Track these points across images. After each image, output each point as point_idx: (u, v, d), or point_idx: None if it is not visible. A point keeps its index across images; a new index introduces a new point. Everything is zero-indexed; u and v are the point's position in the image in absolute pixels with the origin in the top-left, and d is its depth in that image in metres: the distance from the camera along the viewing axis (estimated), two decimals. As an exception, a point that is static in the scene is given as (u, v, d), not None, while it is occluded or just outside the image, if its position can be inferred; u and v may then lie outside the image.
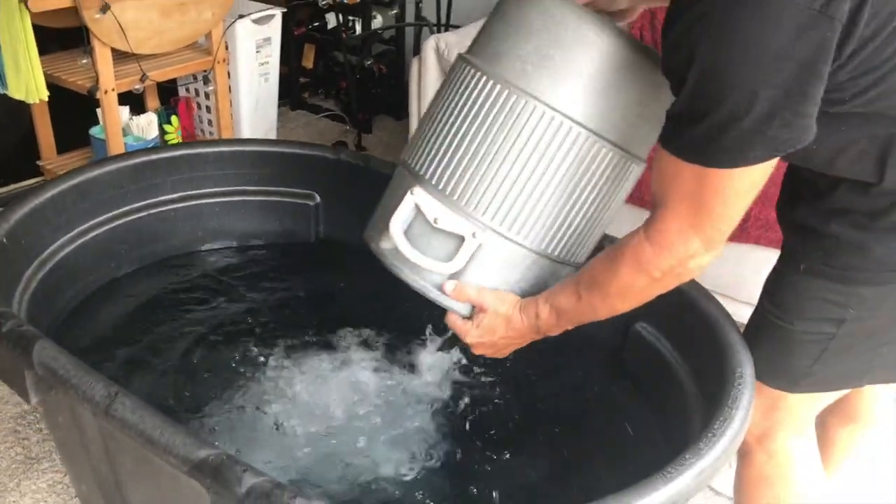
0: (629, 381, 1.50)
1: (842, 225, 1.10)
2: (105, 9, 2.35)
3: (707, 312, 1.35)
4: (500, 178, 1.16)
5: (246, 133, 3.03)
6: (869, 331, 1.15)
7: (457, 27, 2.93)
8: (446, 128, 1.20)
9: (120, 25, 2.41)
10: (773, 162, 0.96)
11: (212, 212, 1.79)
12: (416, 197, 1.20)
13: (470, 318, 1.24)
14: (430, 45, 2.55)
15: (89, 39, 2.43)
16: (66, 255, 1.59)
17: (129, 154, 1.78)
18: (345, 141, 3.32)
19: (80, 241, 1.61)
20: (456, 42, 2.54)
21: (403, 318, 1.58)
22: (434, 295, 1.23)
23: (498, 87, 1.14)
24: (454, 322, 1.25)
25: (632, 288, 1.08)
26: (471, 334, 1.24)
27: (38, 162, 2.85)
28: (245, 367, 1.56)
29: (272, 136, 3.15)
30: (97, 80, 2.47)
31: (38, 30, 2.37)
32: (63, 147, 2.89)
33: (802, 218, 1.15)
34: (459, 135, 1.18)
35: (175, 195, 1.76)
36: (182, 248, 1.80)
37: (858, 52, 0.92)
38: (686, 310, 1.37)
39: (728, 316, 1.33)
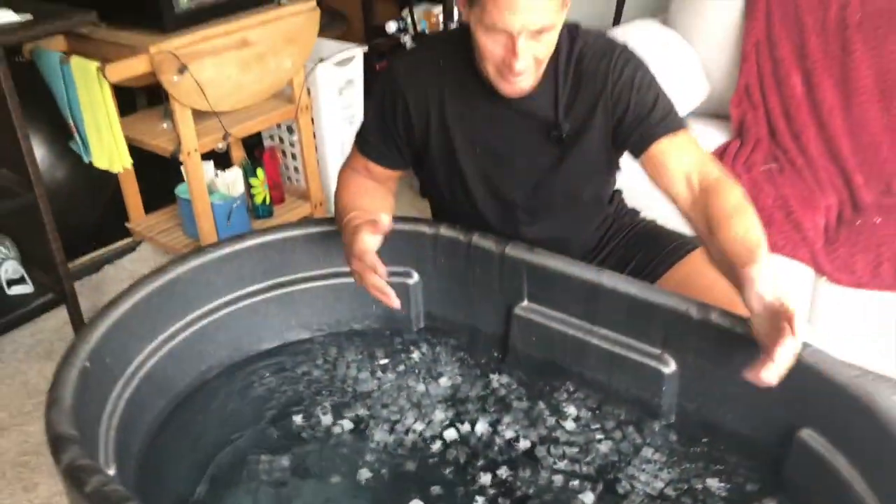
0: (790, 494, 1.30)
1: None
2: (182, 70, 2.26)
3: (884, 413, 1.14)
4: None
5: (333, 179, 2.91)
6: None
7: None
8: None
9: (199, 85, 2.31)
10: None
11: (302, 299, 1.66)
12: None
13: None
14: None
15: (169, 100, 2.35)
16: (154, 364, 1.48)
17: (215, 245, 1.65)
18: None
19: (166, 348, 1.51)
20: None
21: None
22: None
23: None
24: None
25: None
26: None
27: (126, 224, 2.81)
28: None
29: (360, 179, 3.02)
30: (179, 143, 2.39)
31: (120, 89, 2.32)
32: (150, 207, 2.84)
33: None
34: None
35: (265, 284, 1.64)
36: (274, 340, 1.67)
37: None
38: (861, 413, 1.16)
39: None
